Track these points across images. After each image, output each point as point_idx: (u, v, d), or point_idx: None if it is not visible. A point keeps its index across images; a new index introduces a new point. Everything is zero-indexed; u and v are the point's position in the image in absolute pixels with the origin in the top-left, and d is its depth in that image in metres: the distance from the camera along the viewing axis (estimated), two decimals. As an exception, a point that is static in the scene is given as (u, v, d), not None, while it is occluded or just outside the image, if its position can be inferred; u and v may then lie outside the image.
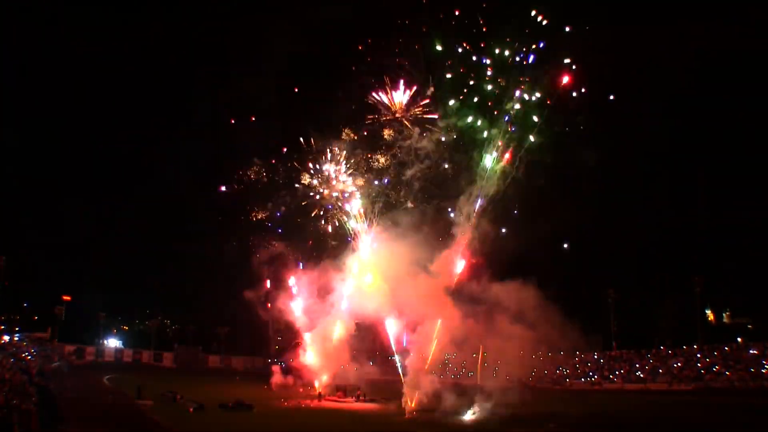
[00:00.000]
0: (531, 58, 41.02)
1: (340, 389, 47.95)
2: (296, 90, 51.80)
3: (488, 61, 42.45)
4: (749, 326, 67.12)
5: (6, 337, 55.81)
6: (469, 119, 42.76)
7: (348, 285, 48.57)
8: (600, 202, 56.79)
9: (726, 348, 54.00)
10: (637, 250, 64.74)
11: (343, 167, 50.05)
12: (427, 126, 45.60)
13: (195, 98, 72.33)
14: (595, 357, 62.86)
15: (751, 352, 51.59)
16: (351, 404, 43.25)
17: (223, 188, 55.79)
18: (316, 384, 51.36)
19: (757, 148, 58.69)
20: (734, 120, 60.78)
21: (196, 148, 67.80)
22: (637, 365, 57.95)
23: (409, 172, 46.10)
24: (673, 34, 55.54)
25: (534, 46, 40.82)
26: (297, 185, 52.12)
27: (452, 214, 41.71)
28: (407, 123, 46.32)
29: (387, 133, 46.92)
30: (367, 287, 45.12)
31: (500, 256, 40.50)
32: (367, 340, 51.87)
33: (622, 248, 63.90)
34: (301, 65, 53.74)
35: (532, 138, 40.36)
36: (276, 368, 57.60)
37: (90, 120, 79.01)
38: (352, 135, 48.69)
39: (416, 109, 46.46)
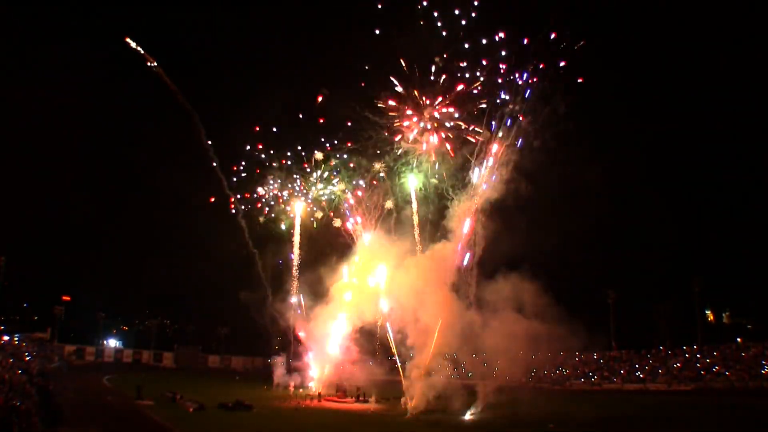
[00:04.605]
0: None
1: (340, 389, 47.83)
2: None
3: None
4: (749, 326, 67.21)
5: (6, 337, 55.76)
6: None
7: (348, 285, 48.51)
8: (600, 203, 56.79)
9: (726, 348, 54.08)
10: (637, 250, 64.78)
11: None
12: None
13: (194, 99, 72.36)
14: (595, 357, 62.89)
15: (751, 352, 51.67)
16: (351, 404, 43.15)
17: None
18: (316, 384, 51.29)
19: (756, 147, 58.82)
20: (734, 120, 60.89)
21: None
22: (637, 365, 57.99)
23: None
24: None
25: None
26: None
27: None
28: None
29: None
30: (366, 287, 45.08)
31: (500, 254, 40.32)
32: (368, 339, 51.82)
33: (622, 248, 63.90)
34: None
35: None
36: (276, 368, 57.45)
37: (90, 120, 79.22)
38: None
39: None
